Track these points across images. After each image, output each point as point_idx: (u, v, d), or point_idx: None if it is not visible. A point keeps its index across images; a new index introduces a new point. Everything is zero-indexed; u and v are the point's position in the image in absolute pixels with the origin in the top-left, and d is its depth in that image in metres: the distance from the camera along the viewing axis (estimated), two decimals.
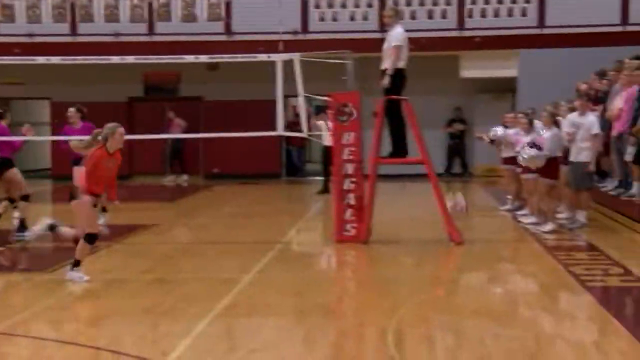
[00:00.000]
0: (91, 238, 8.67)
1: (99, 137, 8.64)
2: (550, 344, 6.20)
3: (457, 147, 22.68)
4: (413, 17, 20.88)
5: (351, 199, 10.96)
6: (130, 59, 15.09)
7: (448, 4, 20.98)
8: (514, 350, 6.01)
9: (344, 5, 21.28)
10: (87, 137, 11.63)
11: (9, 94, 22.19)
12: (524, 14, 20.89)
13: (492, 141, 14.37)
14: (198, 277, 8.89)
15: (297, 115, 16.13)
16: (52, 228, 9.28)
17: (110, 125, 8.68)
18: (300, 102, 14.58)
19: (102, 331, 6.79)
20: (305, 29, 21.20)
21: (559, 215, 12.21)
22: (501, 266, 9.81)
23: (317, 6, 21.35)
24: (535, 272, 9.10)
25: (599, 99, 13.91)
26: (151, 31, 21.37)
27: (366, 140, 11.22)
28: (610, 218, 12.86)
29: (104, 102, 22.48)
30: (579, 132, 11.64)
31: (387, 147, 11.22)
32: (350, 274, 9.77)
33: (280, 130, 14.55)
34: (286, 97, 14.23)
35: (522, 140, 12.36)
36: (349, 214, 10.94)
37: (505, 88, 22.00)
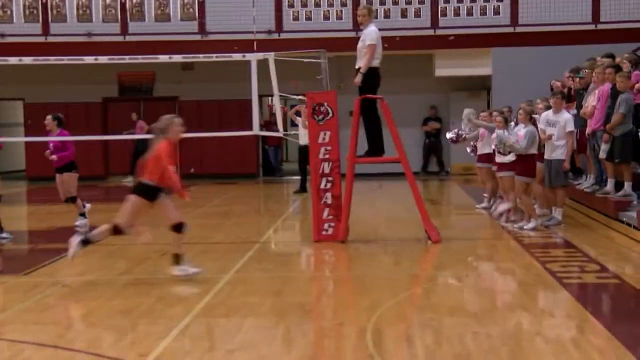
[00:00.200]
0: (178, 227, 8.69)
1: (157, 130, 8.49)
2: (529, 341, 6.23)
3: (433, 146, 22.77)
4: (387, 16, 20.93)
5: (328, 198, 10.97)
6: (103, 59, 15.01)
7: (421, 2, 21.04)
8: (493, 347, 6.03)
9: (317, 5, 21.27)
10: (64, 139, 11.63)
11: None
12: (497, 13, 21.00)
13: (454, 140, 14.44)
14: (176, 277, 8.83)
15: (273, 114, 16.12)
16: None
17: (166, 117, 8.71)
18: (276, 102, 14.59)
19: (80, 333, 6.73)
20: (279, 28, 21.18)
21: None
22: (479, 264, 9.85)
23: (291, 5, 21.32)
24: (513, 270, 9.15)
25: (572, 97, 14.02)
26: (124, 31, 21.25)
27: (343, 139, 11.22)
28: (586, 215, 12.96)
29: (78, 103, 22.40)
30: (554, 130, 11.73)
31: (364, 146, 11.23)
32: (329, 273, 9.76)
33: (256, 130, 14.54)
34: (262, 96, 14.23)
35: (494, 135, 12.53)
36: (326, 213, 10.95)
37: (480, 86, 22.14)
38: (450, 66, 21.37)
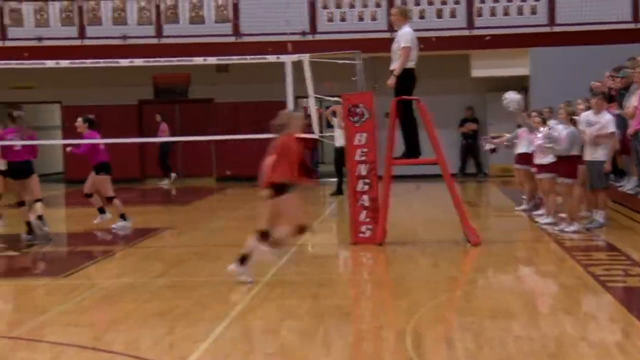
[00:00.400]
0: (302, 229, 8.58)
1: (277, 127, 8.49)
2: (572, 345, 6.15)
3: (471, 147, 22.58)
4: (422, 17, 20.85)
5: (366, 200, 10.94)
6: (139, 62, 15.10)
7: (457, 2, 20.94)
8: (535, 351, 5.97)
9: (352, 6, 21.25)
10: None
11: (19, 99, 22.22)
12: (533, 12, 20.83)
13: (492, 150, 14.41)
14: (214, 280, 8.87)
15: (308, 116, 16.12)
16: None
17: (285, 112, 8.75)
18: (311, 103, 14.59)
19: (118, 336, 6.77)
20: (313, 29, 21.19)
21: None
22: (519, 267, 9.76)
23: (325, 7, 21.32)
24: (554, 273, 9.05)
25: (614, 97, 13.85)
26: (159, 33, 21.38)
27: (381, 141, 11.19)
28: (629, 217, 12.78)
29: (114, 105, 22.57)
30: (595, 131, 11.58)
31: (401, 147, 11.19)
32: (367, 275, 9.74)
33: None
34: (297, 98, 14.23)
35: (533, 135, 12.43)
36: (363, 215, 10.92)
37: (517, 87, 21.94)
38: (486, 67, 21.23)
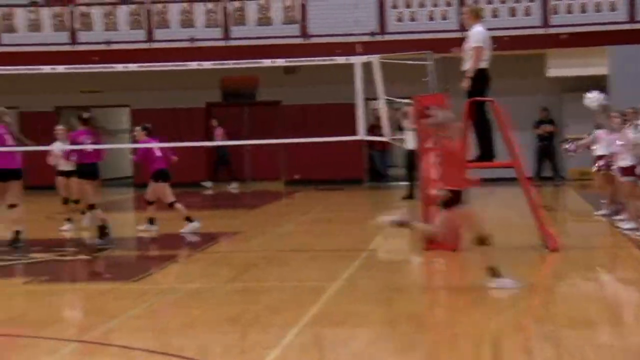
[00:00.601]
0: (483, 240, 8.25)
1: (434, 125, 8.43)
2: None
3: (547, 150, 22.15)
4: (495, 15, 20.62)
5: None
6: (207, 65, 15.25)
7: (531, 0, 20.65)
8: None
9: (422, 5, 21.13)
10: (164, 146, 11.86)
11: (88, 102, 22.66)
12: (612, 9, 20.43)
13: (572, 150, 14.15)
14: (284, 285, 8.90)
15: (378, 118, 16.07)
16: (401, 224, 8.70)
17: (441, 112, 8.57)
18: (381, 105, 14.53)
19: (188, 341, 6.83)
20: (383, 30, 21.13)
21: None
22: (599, 273, 9.57)
23: (395, 6, 21.25)
24: (637, 280, 8.84)
25: None
26: (226, 36, 21.58)
27: None
28: None
29: (182, 109, 22.86)
30: None
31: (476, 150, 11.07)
32: (441, 282, 9.66)
33: (362, 135, 14.50)
34: (366, 100, 14.20)
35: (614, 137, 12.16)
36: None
37: (594, 86, 21.51)
38: (563, 66, 20.89)
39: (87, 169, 12.39)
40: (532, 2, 20.69)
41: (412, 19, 21.20)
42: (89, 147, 12.40)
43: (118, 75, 18.97)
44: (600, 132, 13.54)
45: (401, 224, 8.63)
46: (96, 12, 21.84)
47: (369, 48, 18.06)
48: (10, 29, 21.76)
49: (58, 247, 12.05)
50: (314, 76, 21.64)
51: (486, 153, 10.97)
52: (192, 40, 21.37)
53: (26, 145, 12.22)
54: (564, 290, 8.59)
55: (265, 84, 23.02)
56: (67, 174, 13.33)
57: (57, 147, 13.35)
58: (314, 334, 6.96)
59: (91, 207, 12.41)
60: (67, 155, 12.97)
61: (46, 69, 13.32)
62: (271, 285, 9.04)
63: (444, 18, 20.98)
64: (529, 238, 11.08)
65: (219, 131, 22.33)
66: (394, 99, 14.59)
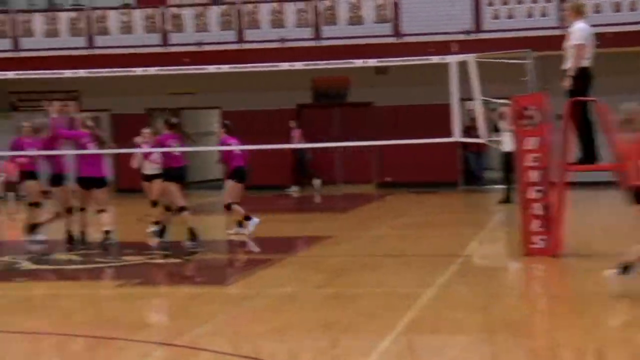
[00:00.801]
0: None
1: (623, 122, 8.27)
2: None
3: None
4: (597, 11, 20.17)
5: (538, 208, 10.67)
6: (299, 65, 15.35)
7: None
8: None
9: (520, 1, 20.83)
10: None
11: (180, 104, 23.09)
12: None
13: None
14: (377, 291, 8.90)
15: (473, 119, 15.92)
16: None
17: (627, 105, 8.36)
18: (477, 106, 14.38)
19: (281, 346, 6.89)
20: (478, 28, 20.90)
21: None
22: None
23: (491, 3, 21.00)
24: None
25: None
26: (317, 35, 21.68)
27: (554, 145, 10.90)
28: None
29: (272, 110, 23.05)
30: None
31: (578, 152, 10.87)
32: (541, 289, 9.51)
33: (457, 136, 14.38)
34: (461, 100, 14.09)
35: None
36: (536, 225, 10.65)
37: None
38: None
39: (174, 172, 12.66)
40: None
41: (510, 16, 20.91)
42: (175, 150, 12.65)
43: (208, 76, 19.22)
44: None
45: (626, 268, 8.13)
46: (187, 13, 22.23)
47: (464, 47, 17.90)
48: (104, 32, 22.33)
49: (149, 250, 12.30)
50: (406, 76, 21.55)
51: (588, 155, 10.76)
52: (282, 40, 21.55)
53: (110, 149, 12.60)
54: None
55: (356, 84, 23.04)
56: (150, 178, 13.62)
57: (144, 150, 13.60)
58: (408, 341, 6.94)
59: (181, 209, 12.64)
60: (147, 156, 13.37)
61: (138, 70, 13.62)
62: (364, 290, 9.05)
63: (543, 15, 20.63)
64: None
65: (296, 132, 22.42)
66: (490, 99, 14.43)
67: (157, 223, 13.08)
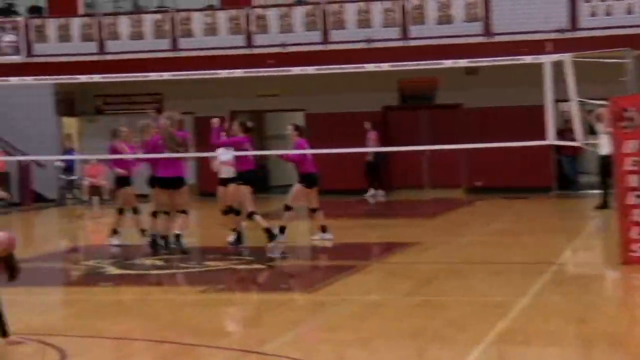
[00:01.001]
0: None
1: None
2: None
3: None
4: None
5: (638, 215, 10.42)
6: (385, 66, 15.33)
7: None
8: None
9: None
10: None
11: (263, 107, 23.28)
12: None
13: None
14: (466, 300, 8.82)
15: (568, 121, 15.66)
16: None
17: None
18: (573, 107, 14.14)
19: (367, 355, 6.89)
20: (574, 26, 20.54)
21: None
22: None
23: (588, 0, 20.61)
24: None
25: None
26: (405, 35, 21.59)
27: None
28: None
29: (357, 112, 23.05)
30: None
31: None
32: None
33: (551, 139, 14.17)
34: (556, 101, 13.88)
35: None
36: (635, 232, 10.41)
37: None
38: None
39: (246, 175, 12.78)
40: None
41: (608, 13, 20.48)
42: (249, 153, 12.79)
43: (292, 78, 19.37)
44: None
45: None
46: (272, 14, 22.40)
47: (559, 46, 17.61)
48: (187, 34, 22.67)
49: (232, 255, 12.42)
50: (497, 77, 21.30)
51: None
52: (369, 40, 21.53)
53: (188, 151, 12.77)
54: None
55: (444, 85, 22.88)
56: (225, 182, 13.71)
57: (222, 153, 13.71)
58: (500, 352, 6.87)
59: (250, 215, 12.72)
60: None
61: (223, 73, 13.79)
62: (453, 299, 8.97)
63: None
64: None
65: (372, 135, 22.28)
66: (587, 100, 14.18)
67: (234, 230, 13.22)
